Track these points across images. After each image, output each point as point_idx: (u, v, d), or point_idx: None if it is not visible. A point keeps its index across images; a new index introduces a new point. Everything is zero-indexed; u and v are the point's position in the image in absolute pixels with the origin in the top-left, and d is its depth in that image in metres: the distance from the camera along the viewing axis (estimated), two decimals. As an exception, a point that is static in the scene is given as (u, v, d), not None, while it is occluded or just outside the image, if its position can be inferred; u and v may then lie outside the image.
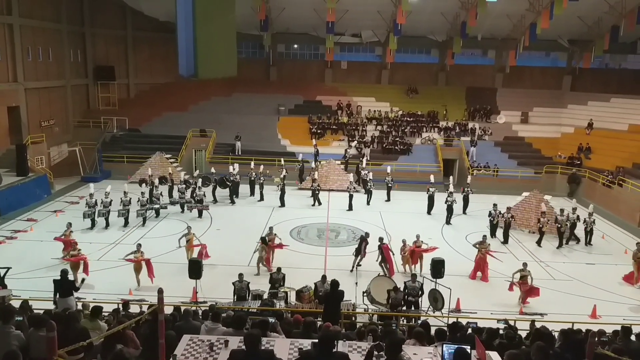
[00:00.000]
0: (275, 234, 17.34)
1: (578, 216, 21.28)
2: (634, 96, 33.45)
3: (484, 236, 17.75)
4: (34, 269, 16.04)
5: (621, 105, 33.51)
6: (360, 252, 17.08)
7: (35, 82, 29.56)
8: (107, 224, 21.16)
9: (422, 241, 17.21)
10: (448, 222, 23.22)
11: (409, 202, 26.18)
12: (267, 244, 16.97)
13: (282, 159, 29.07)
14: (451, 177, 25.88)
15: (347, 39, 38.27)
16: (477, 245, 17.24)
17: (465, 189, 25.03)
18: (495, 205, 21.35)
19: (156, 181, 24.59)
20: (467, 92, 38.08)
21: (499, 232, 21.24)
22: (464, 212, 24.70)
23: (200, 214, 22.97)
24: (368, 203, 25.86)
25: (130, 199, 21.53)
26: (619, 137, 31.18)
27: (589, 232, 21.04)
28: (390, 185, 26.89)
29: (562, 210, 21.11)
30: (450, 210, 23.18)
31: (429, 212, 24.46)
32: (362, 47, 39.26)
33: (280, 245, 17.41)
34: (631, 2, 29.60)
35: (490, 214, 21.33)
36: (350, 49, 39.65)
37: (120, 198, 21.34)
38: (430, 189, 24.46)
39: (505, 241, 20.81)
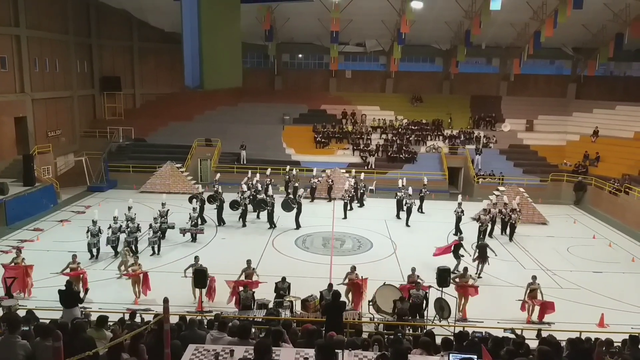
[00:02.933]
0: (253, 269, 15.38)
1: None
2: (639, 103, 33.36)
3: (465, 268, 15.54)
4: (40, 279, 16.03)
5: (627, 113, 33.41)
6: (485, 259, 17.69)
7: (42, 92, 29.80)
8: (116, 252, 18.80)
9: (417, 275, 14.95)
10: (407, 223, 24.05)
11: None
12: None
13: (314, 170, 28.96)
14: (405, 179, 26.51)
15: (352, 48, 38.43)
16: (457, 280, 14.94)
17: (422, 190, 26.26)
18: (460, 204, 22.74)
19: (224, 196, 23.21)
20: (471, 101, 38.10)
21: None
22: (420, 211, 25.94)
23: (194, 239, 20.83)
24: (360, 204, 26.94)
25: (121, 226, 19.06)
26: (624, 144, 31.06)
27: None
28: (362, 191, 27.46)
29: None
30: (409, 212, 24.11)
31: (397, 216, 25.11)
32: (367, 56, 39.38)
33: (256, 283, 14.92)
34: (635, 10, 29.61)
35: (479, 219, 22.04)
36: (354, 58, 39.78)
37: (109, 224, 19.02)
38: (398, 194, 25.22)
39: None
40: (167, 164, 29.38)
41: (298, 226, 22.97)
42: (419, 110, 37.17)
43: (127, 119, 35.91)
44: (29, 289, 15.43)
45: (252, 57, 39.60)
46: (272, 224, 23.06)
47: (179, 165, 29.88)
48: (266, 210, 23.24)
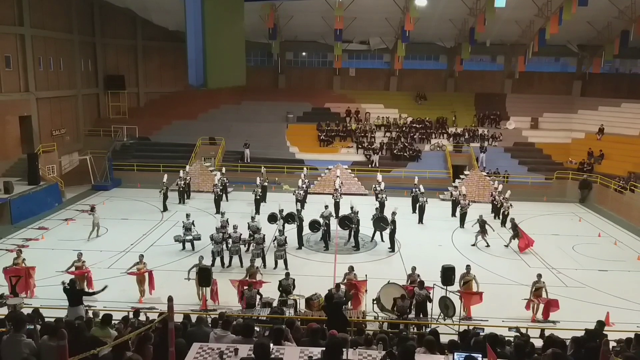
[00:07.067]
0: (257, 268, 15.17)
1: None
2: (645, 101, 33.22)
3: (468, 266, 15.28)
4: (45, 277, 16.12)
5: (632, 110, 33.19)
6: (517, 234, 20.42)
7: (46, 91, 29.88)
8: (241, 262, 17.93)
9: (418, 275, 14.58)
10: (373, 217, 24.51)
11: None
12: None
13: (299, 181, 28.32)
14: (380, 175, 27.24)
15: (355, 46, 38.32)
16: (462, 281, 14.75)
17: (414, 190, 25.94)
18: (422, 193, 24.70)
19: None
20: (476, 98, 37.96)
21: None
22: (414, 212, 25.33)
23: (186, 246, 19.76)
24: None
25: (223, 234, 18.21)
26: (630, 142, 30.88)
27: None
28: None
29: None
30: (382, 205, 24.50)
31: (413, 211, 25.53)
32: (370, 54, 39.29)
33: (260, 283, 14.77)
34: (641, 7, 29.42)
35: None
36: (358, 56, 39.69)
37: (211, 235, 18.17)
38: (377, 187, 26.05)
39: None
40: (197, 163, 29.68)
41: (393, 248, 20.25)
42: (423, 108, 37.06)
43: (131, 117, 35.98)
44: (32, 290, 15.42)
45: (255, 55, 39.57)
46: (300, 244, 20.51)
47: (208, 164, 30.13)
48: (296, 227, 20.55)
